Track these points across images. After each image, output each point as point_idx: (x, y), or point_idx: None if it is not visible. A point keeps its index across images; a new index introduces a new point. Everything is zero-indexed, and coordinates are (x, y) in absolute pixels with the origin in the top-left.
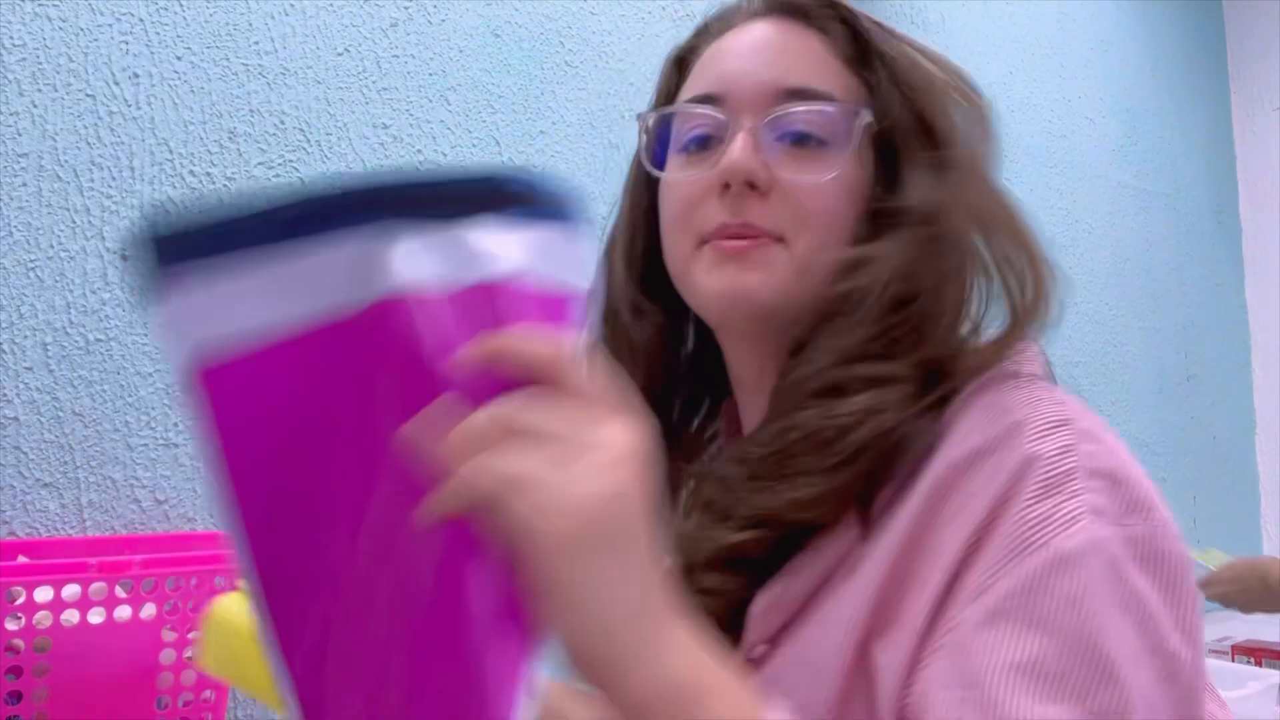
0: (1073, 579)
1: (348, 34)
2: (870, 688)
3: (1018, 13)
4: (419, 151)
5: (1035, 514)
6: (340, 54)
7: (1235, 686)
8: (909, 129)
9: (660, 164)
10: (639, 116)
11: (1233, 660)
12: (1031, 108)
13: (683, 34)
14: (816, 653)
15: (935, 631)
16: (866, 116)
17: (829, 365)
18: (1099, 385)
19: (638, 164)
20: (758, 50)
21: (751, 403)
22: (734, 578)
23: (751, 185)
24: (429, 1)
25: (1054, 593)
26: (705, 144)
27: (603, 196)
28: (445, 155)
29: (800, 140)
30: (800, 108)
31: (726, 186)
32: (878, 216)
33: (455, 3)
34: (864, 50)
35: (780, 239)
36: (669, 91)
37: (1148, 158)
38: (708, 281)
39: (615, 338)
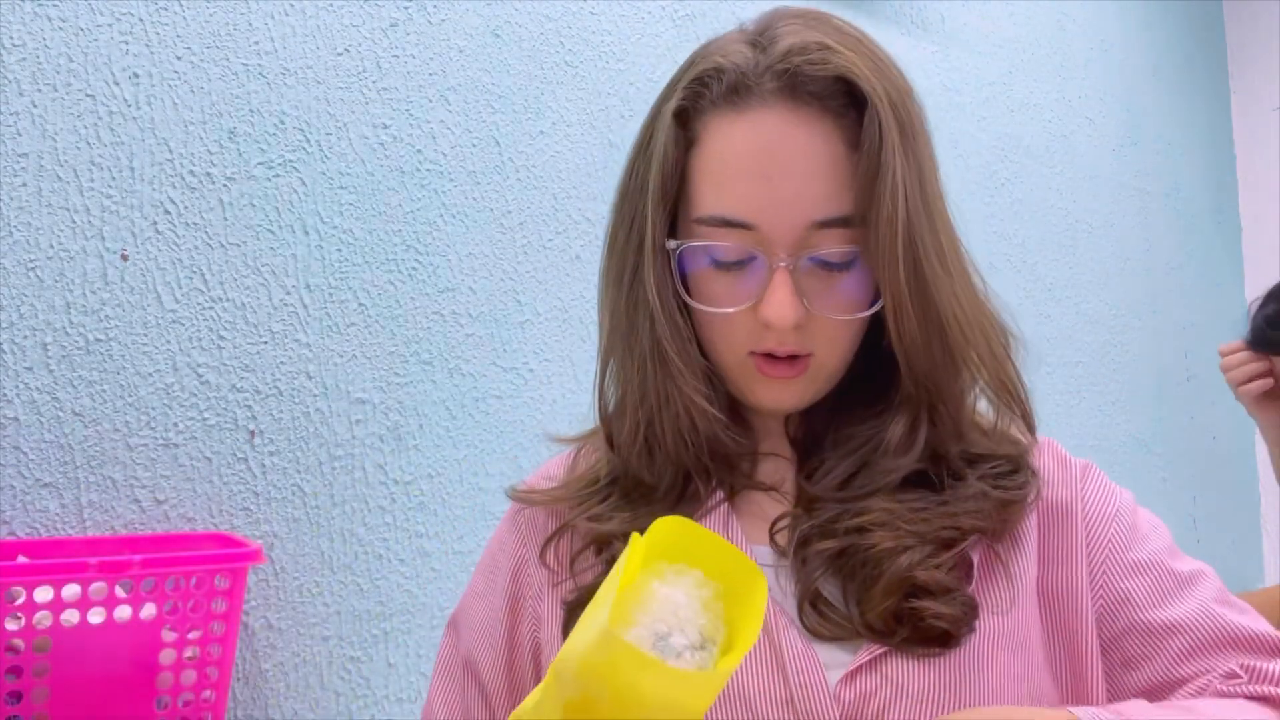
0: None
1: (348, 34)
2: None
3: (1018, 13)
4: (419, 151)
5: None
6: (340, 54)
7: None
8: (881, 239)
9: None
10: (669, 244)
11: None
12: (1031, 108)
13: (683, 34)
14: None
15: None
16: (873, 254)
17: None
18: (1099, 385)
19: (654, 280)
20: (783, 172)
21: (768, 440)
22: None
23: (795, 326)
24: (429, 1)
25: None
26: (731, 258)
27: (603, 196)
28: (445, 155)
29: (829, 266)
30: (830, 247)
31: (768, 326)
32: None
33: (455, 3)
34: (865, 140)
35: (812, 354)
36: (675, 157)
37: (1148, 158)
38: (755, 393)
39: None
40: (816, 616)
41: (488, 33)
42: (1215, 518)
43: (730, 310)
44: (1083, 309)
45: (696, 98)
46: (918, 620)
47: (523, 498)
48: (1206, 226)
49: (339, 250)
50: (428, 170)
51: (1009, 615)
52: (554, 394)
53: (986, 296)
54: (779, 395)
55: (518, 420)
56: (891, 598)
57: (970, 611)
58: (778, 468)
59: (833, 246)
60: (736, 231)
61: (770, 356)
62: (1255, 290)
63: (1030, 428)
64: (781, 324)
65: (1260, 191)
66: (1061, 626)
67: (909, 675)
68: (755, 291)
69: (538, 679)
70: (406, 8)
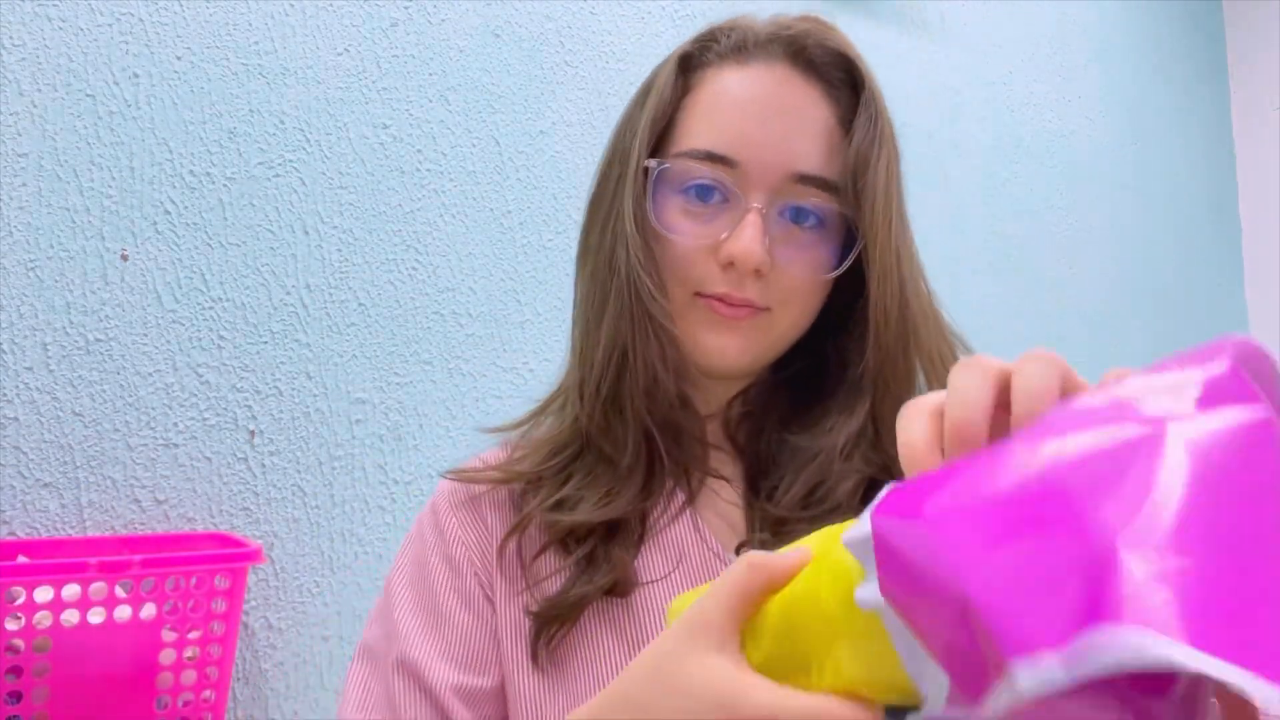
0: None
1: (348, 34)
2: None
3: (1018, 13)
4: (419, 151)
5: None
6: (340, 54)
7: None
8: (877, 218)
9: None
10: (648, 162)
11: None
12: (1031, 108)
13: (683, 34)
14: None
15: None
16: (855, 225)
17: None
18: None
19: (632, 205)
20: (773, 117)
21: (709, 420)
22: None
23: (756, 270)
24: (429, 1)
25: None
26: (707, 196)
27: None
28: (445, 155)
29: (799, 221)
30: (810, 200)
31: (731, 264)
32: (837, 295)
33: (455, 3)
34: (858, 124)
35: (767, 309)
36: (667, 97)
37: (1148, 158)
38: (702, 337)
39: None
40: None
41: (488, 33)
42: None
43: (695, 242)
44: (1083, 309)
45: (703, 50)
46: None
47: (468, 477)
48: (1206, 226)
49: (339, 250)
50: (428, 170)
51: None
52: None
53: (938, 304)
54: (724, 343)
55: None
56: None
57: None
58: (722, 461)
59: (809, 200)
60: (718, 167)
61: (728, 300)
62: (1255, 290)
63: None
64: (746, 260)
65: (1260, 191)
66: None
67: None
68: (722, 230)
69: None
70: (406, 8)
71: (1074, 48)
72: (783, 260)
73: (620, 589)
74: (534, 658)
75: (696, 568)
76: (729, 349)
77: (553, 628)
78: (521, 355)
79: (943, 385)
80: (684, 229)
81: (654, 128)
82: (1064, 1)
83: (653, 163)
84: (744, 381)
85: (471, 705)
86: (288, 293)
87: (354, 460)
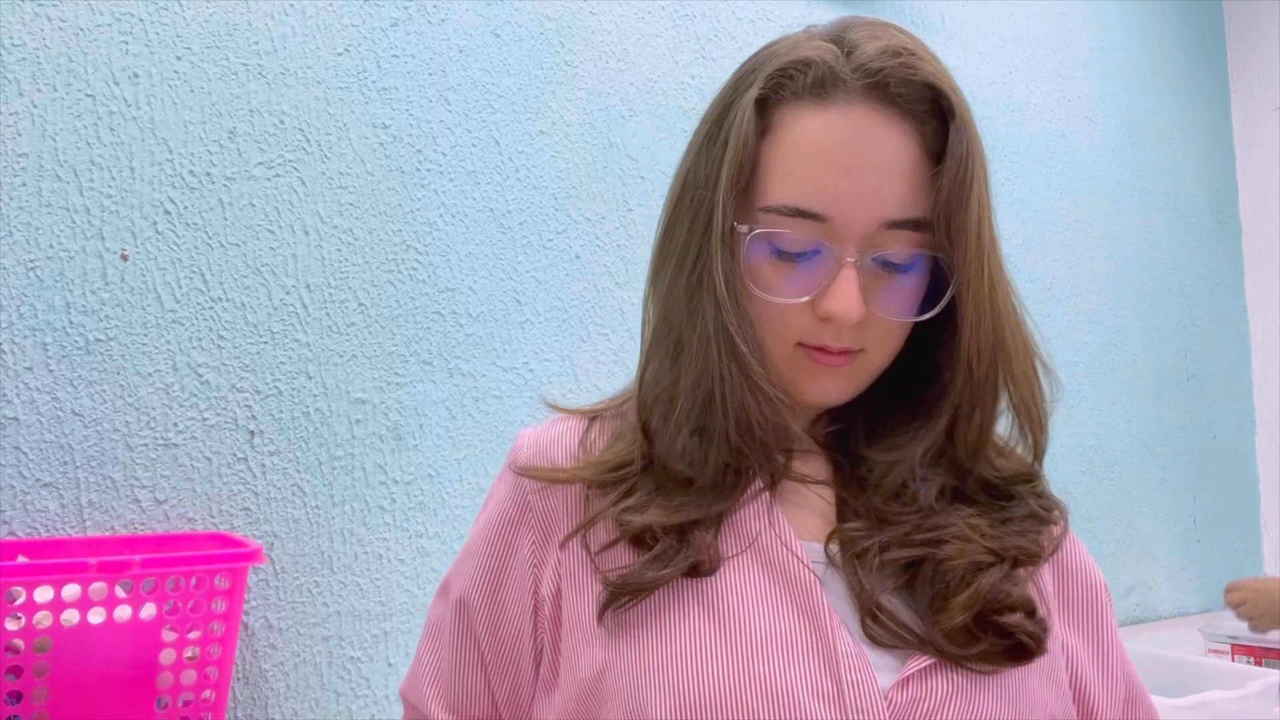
0: None
1: (348, 34)
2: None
3: (1018, 13)
4: (419, 151)
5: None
6: (340, 54)
7: (1235, 686)
8: (969, 256)
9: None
10: (740, 227)
11: (1233, 659)
12: (1031, 108)
13: (683, 34)
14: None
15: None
16: (947, 263)
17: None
18: (1099, 385)
19: (707, 235)
20: (862, 169)
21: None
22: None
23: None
24: (429, 1)
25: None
26: (802, 256)
27: (603, 196)
28: (445, 155)
29: (891, 266)
30: (900, 246)
31: (828, 319)
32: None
33: (455, 3)
34: (949, 156)
35: (862, 351)
36: (749, 144)
37: (1148, 158)
38: (801, 386)
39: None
40: (875, 624)
41: (488, 33)
42: (1215, 518)
43: (790, 301)
44: (1083, 309)
45: (778, 88)
46: (998, 632)
47: (534, 473)
48: (1206, 226)
49: (338, 250)
50: (427, 170)
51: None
52: (554, 394)
53: (1025, 317)
54: (826, 387)
55: (518, 420)
56: (970, 611)
57: (1046, 633)
58: (808, 461)
59: (900, 247)
60: (808, 222)
61: (828, 350)
62: (1255, 290)
63: (1038, 455)
64: (846, 319)
65: (1260, 191)
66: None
67: (963, 687)
68: (817, 285)
69: (537, 650)
70: (406, 8)
71: (1074, 48)
72: (877, 306)
73: (703, 570)
74: (600, 620)
75: (767, 552)
76: (831, 391)
77: (623, 598)
78: (521, 355)
79: (1025, 403)
80: (779, 289)
81: (738, 179)
82: (1064, 1)
83: (744, 228)
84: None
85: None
86: (288, 293)
87: (354, 460)
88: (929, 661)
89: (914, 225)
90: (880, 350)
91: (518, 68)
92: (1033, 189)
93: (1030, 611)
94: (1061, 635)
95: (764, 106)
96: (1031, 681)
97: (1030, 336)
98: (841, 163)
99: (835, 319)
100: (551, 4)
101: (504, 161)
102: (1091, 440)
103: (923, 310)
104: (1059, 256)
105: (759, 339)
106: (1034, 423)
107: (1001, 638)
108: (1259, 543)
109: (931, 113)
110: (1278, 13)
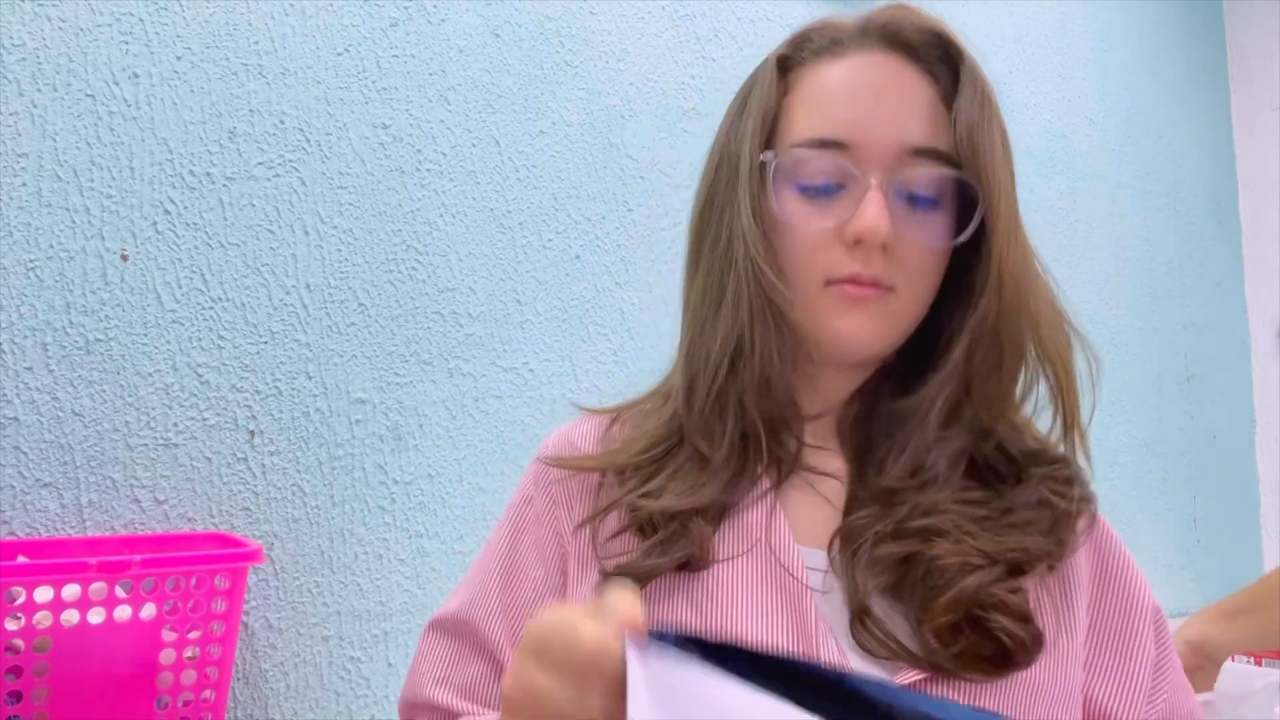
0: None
1: (348, 34)
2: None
3: (1018, 13)
4: (419, 151)
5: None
6: (340, 54)
7: (1236, 685)
8: (994, 194)
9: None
10: (764, 155)
11: (1233, 660)
12: (1031, 108)
13: (683, 34)
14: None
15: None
16: (977, 188)
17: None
18: (1099, 385)
19: (735, 186)
20: (880, 97)
21: (815, 420)
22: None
23: (883, 246)
24: (429, 1)
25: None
26: (825, 185)
27: (603, 196)
28: (445, 155)
29: (915, 199)
30: (925, 171)
31: (858, 241)
32: (954, 276)
33: (455, 3)
34: (962, 97)
35: (892, 288)
36: (771, 101)
37: (1148, 158)
38: (835, 323)
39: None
40: (864, 631)
41: (488, 33)
42: (1215, 518)
43: (818, 228)
44: (1083, 309)
45: (798, 49)
46: (982, 632)
47: (566, 463)
48: (1206, 226)
49: (338, 250)
50: (427, 170)
51: (1051, 663)
52: (554, 394)
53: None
54: (859, 324)
55: (518, 420)
56: (953, 614)
57: (1036, 643)
58: (825, 459)
59: (925, 176)
60: (831, 152)
61: (858, 280)
62: (1255, 290)
63: (1069, 422)
64: (874, 235)
65: (1260, 191)
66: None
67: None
68: (844, 212)
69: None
70: (406, 8)
71: (1074, 48)
72: (906, 234)
73: (694, 565)
74: None
75: (762, 557)
76: (863, 333)
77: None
78: (521, 355)
79: (1052, 355)
80: (807, 217)
81: (763, 128)
82: (1064, 1)
83: (769, 154)
84: (864, 374)
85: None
86: (288, 293)
87: (354, 460)
88: (920, 676)
89: (938, 156)
90: (910, 290)
91: (518, 68)
92: (1033, 189)
93: (1022, 618)
94: (1089, 655)
95: (785, 67)
96: (1039, 703)
97: (1051, 292)
98: (861, 95)
99: (863, 237)
100: (551, 4)
101: (504, 161)
102: (1091, 440)
103: (954, 238)
104: (1059, 256)
105: (791, 280)
106: (1062, 376)
107: (985, 639)
108: (1259, 543)
109: (943, 59)
110: (1277, 13)
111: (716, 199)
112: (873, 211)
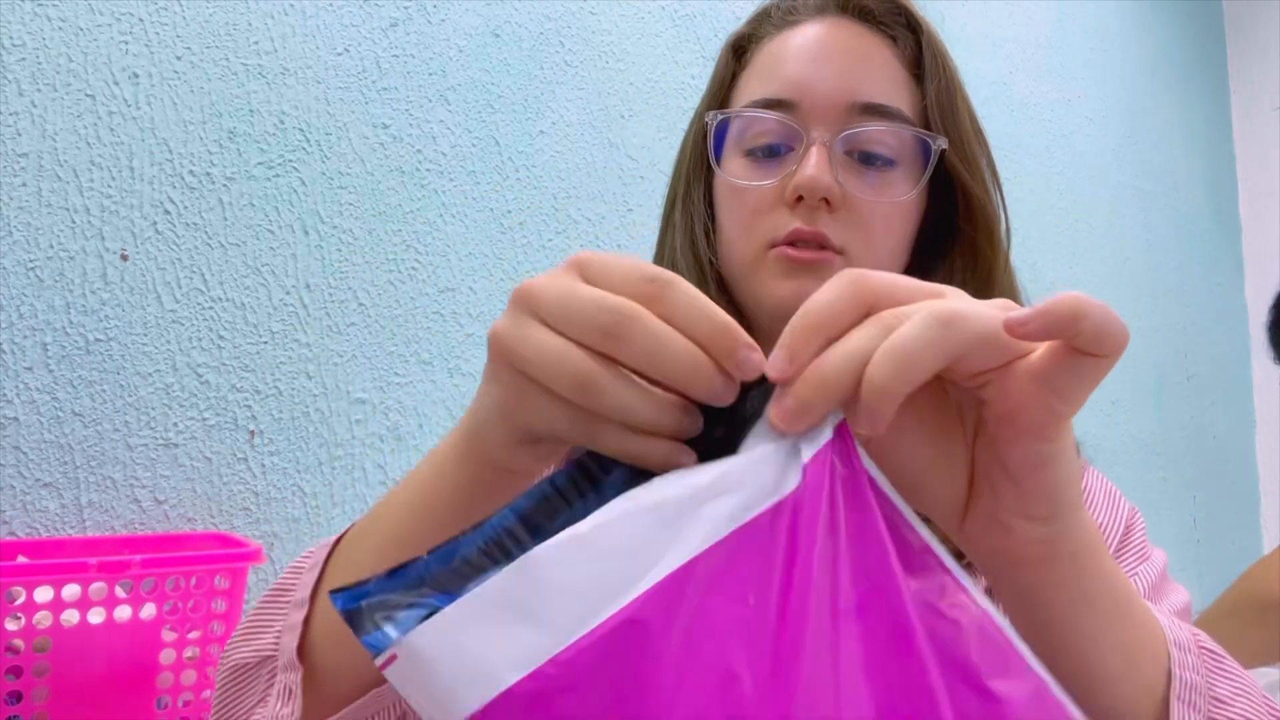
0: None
1: (348, 34)
2: None
3: (1018, 13)
4: (419, 151)
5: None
6: (340, 54)
7: None
8: (962, 156)
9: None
10: (705, 115)
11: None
12: (1031, 108)
13: (683, 34)
14: None
15: None
16: (942, 143)
17: None
18: (1099, 385)
19: (694, 163)
20: (829, 56)
21: None
22: None
23: (826, 201)
24: (429, 1)
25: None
26: (772, 151)
27: (602, 196)
28: (445, 155)
29: (869, 159)
30: (874, 126)
31: (799, 199)
32: (924, 240)
33: (455, 3)
34: (926, 63)
35: (842, 252)
36: (725, 79)
37: (1148, 158)
38: (776, 288)
39: None
40: None
41: (488, 33)
42: (1215, 518)
43: (762, 189)
44: None
45: (756, 26)
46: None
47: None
48: (1206, 226)
49: (338, 250)
50: (427, 170)
51: None
52: None
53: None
54: (799, 287)
55: None
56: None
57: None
58: None
59: (874, 132)
60: (777, 112)
61: (800, 236)
62: (1255, 290)
63: None
64: (812, 187)
65: (1260, 191)
66: None
67: None
68: (786, 170)
69: None
70: (406, 8)
71: (1074, 48)
72: (853, 190)
73: None
74: None
75: None
76: (804, 293)
77: None
78: None
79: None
80: (751, 179)
81: (712, 101)
82: (1064, 1)
83: (710, 115)
84: None
85: None
86: (287, 293)
87: (354, 460)
88: None
89: (888, 114)
90: (868, 254)
91: (518, 68)
92: (1033, 189)
93: None
94: None
95: (744, 44)
96: None
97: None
98: (809, 54)
99: (803, 190)
100: (551, 4)
101: (504, 161)
102: (1091, 440)
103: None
104: (1059, 256)
105: (731, 245)
106: None
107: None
108: (1259, 543)
109: (905, 26)
110: (1277, 13)
111: (676, 188)
112: (811, 164)
